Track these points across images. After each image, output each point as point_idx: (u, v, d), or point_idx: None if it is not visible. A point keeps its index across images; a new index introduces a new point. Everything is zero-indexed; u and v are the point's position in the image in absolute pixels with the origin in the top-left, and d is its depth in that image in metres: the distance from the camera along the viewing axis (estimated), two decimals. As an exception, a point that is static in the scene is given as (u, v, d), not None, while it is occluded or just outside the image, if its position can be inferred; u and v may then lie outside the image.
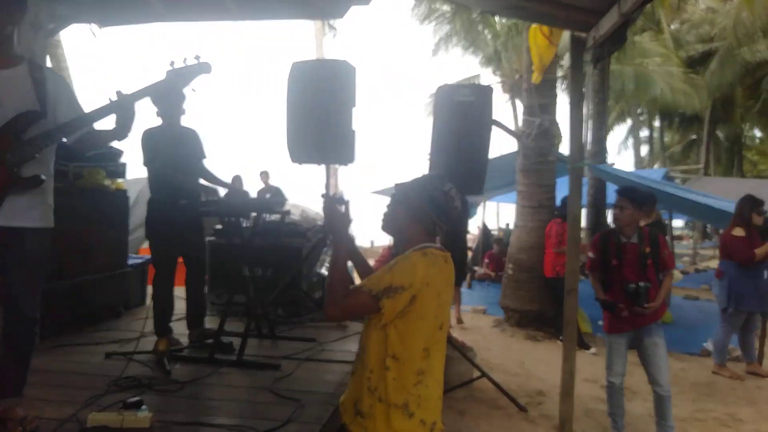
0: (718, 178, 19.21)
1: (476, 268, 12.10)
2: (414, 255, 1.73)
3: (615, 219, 3.78)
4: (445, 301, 1.83)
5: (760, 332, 5.86)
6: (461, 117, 3.79)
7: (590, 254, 3.82)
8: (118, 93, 2.23)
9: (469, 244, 17.43)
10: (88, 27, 4.77)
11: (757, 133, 29.49)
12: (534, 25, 4.49)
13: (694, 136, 28.33)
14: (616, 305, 3.65)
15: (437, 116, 3.92)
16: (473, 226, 17.54)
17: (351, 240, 1.93)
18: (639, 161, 26.45)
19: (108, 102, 2.24)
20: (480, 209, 14.43)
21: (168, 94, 3.37)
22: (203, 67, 2.33)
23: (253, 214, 3.84)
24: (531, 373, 5.47)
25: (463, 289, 10.71)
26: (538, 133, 6.86)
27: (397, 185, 1.95)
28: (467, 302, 9.06)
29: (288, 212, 3.94)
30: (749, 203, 5.35)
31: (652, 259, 3.67)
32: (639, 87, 16.76)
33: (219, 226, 4.72)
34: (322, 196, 2.26)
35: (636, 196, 3.75)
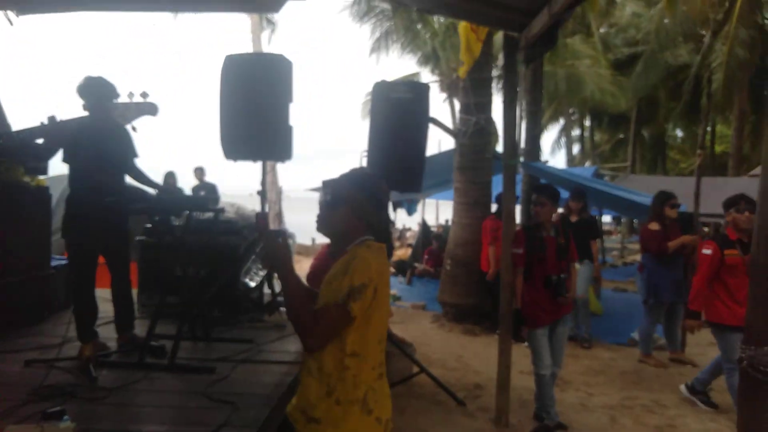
0: (644, 176, 20.30)
1: (416, 264, 12.23)
2: (360, 251, 1.73)
3: (536, 215, 3.97)
4: (388, 291, 1.85)
5: (682, 321, 6.23)
6: (398, 114, 3.81)
7: (518, 249, 3.96)
8: (50, 118, 2.11)
9: (409, 241, 17.65)
10: (3, 14, 4.45)
11: (679, 133, 31.37)
12: (464, 22, 4.56)
13: (622, 136, 29.81)
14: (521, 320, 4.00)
15: (374, 113, 3.92)
16: (413, 223, 17.75)
17: (290, 264, 1.83)
18: (571, 159, 27.55)
19: (39, 124, 2.10)
20: (420, 206, 14.61)
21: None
22: (149, 109, 2.22)
23: (185, 212, 3.70)
24: (469, 367, 5.59)
25: (403, 285, 10.83)
26: (474, 131, 7.00)
27: (325, 183, 1.89)
28: (407, 298, 9.14)
29: (222, 210, 3.82)
30: (660, 198, 5.67)
31: (564, 251, 3.93)
32: (570, 88, 17.41)
33: (149, 225, 4.53)
34: (258, 215, 2.16)
35: (553, 192, 3.96)
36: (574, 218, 6.56)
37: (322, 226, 1.87)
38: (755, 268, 1.36)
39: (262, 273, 4.55)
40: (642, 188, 9.84)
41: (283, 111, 3.73)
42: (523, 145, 10.64)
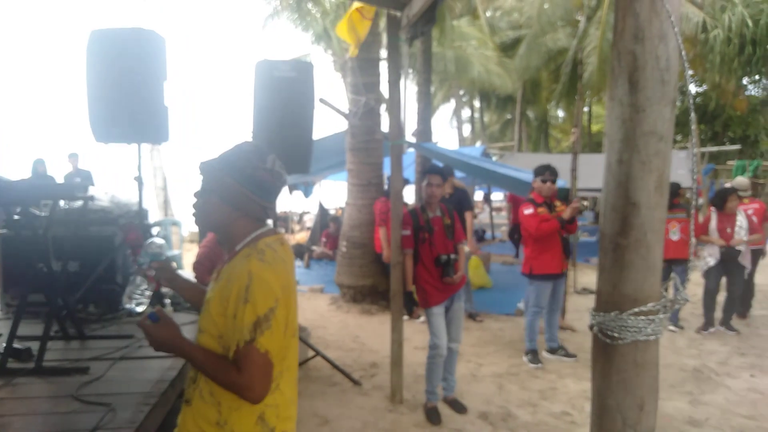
0: (528, 154, 21.55)
1: (314, 247, 12.16)
2: (254, 267, 1.46)
3: (431, 196, 4.02)
4: (294, 286, 1.66)
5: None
6: (283, 93, 3.70)
7: (405, 231, 4.02)
8: None
9: (308, 224, 17.50)
10: None
11: (560, 113, 33.64)
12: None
13: (509, 116, 31.43)
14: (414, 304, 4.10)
15: (257, 92, 3.77)
16: (311, 206, 17.58)
17: (182, 341, 1.56)
18: (462, 140, 28.56)
19: None
20: (317, 188, 14.49)
21: None
22: None
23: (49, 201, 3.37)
24: (365, 347, 5.66)
25: (302, 269, 10.75)
26: (365, 112, 7.02)
27: (202, 165, 1.57)
28: (305, 282, 9.08)
29: (92, 197, 3.52)
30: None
31: (451, 230, 4.05)
32: (459, 69, 17.99)
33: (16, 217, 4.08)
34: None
35: (445, 172, 4.07)
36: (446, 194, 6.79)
37: (197, 219, 1.61)
38: (602, 237, 1.46)
39: (149, 292, 4.26)
40: (527, 166, 10.42)
41: (156, 90, 3.50)
42: (415, 125, 10.89)
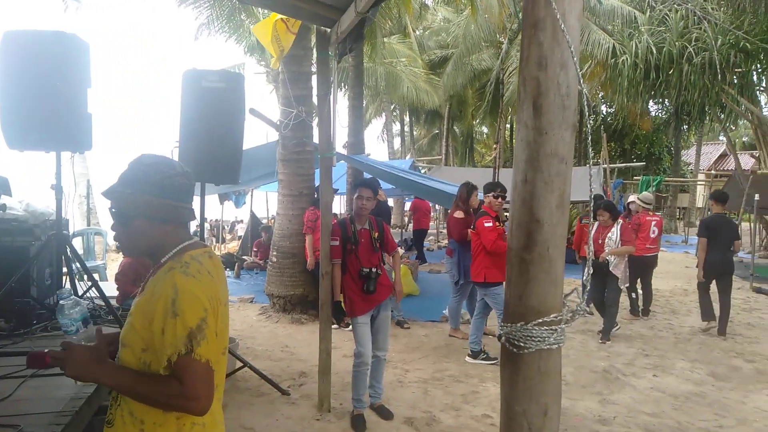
0: (455, 167, 22.22)
1: (245, 257, 11.95)
2: (178, 280, 1.44)
3: (362, 208, 4.08)
4: (225, 300, 1.63)
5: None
6: (211, 103, 3.69)
7: (334, 241, 4.08)
8: None
9: (239, 233, 17.14)
10: None
11: (485, 129, 34.92)
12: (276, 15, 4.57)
13: (437, 131, 32.29)
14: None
15: (184, 102, 3.74)
16: (243, 215, 17.24)
17: (103, 367, 1.48)
18: (393, 152, 29.01)
19: None
20: (249, 198, 14.27)
21: None
22: None
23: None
24: (294, 356, 5.66)
25: (232, 279, 10.53)
26: (296, 124, 7.04)
27: (109, 193, 1.53)
28: (235, 293, 8.92)
29: (3, 206, 3.35)
30: (466, 188, 6.31)
31: (380, 243, 4.14)
32: (390, 85, 18.37)
33: None
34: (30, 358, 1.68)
35: (375, 185, 4.19)
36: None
37: (127, 250, 1.57)
38: (509, 252, 1.59)
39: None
40: (452, 179, 10.78)
41: (79, 96, 3.38)
42: (347, 138, 11.00)
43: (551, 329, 1.50)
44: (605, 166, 13.60)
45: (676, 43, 12.96)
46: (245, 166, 4.23)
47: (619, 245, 6.32)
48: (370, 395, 4.28)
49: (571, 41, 1.39)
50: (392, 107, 27.87)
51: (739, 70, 13.02)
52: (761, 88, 14.37)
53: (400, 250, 6.27)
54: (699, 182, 24.54)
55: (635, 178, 17.82)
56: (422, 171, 15.87)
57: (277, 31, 4.44)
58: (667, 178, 21.02)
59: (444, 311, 7.33)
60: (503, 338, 1.57)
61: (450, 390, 4.81)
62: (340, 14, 3.53)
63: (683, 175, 27.27)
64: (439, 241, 18.35)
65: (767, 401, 4.70)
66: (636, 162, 19.90)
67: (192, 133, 3.73)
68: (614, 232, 6.39)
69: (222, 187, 9.75)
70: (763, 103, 14.76)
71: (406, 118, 31.81)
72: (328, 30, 3.84)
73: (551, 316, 1.51)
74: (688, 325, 7.34)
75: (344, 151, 10.22)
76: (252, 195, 14.32)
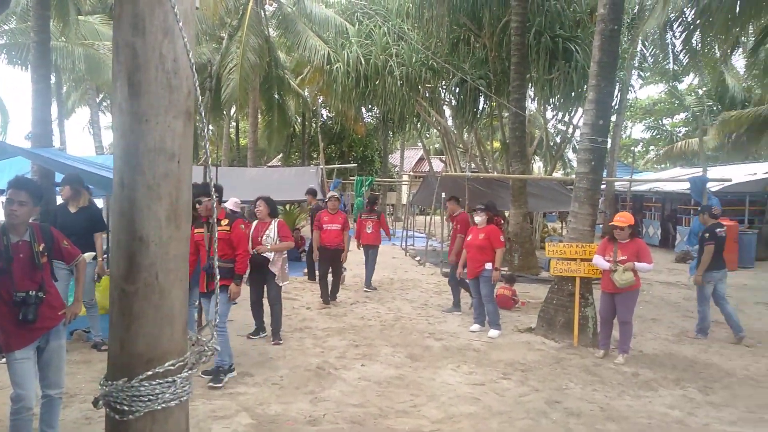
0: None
1: None
2: None
3: (12, 215, 3.17)
4: None
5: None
6: None
7: None
8: None
9: None
10: None
11: (211, 126, 33.44)
12: None
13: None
14: None
15: None
16: None
17: None
18: (101, 147, 25.62)
19: None
20: None
21: None
22: None
23: None
24: None
25: None
26: None
27: None
28: None
29: None
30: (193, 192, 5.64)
31: (47, 255, 3.31)
32: (91, 69, 16.02)
33: None
34: None
35: (32, 186, 3.31)
36: (73, 209, 5.81)
37: None
38: (111, 283, 1.17)
39: None
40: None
41: None
42: (30, 128, 9.01)
43: (167, 382, 1.12)
44: (323, 166, 14.17)
45: (381, 57, 14.19)
46: None
47: (278, 242, 6.20)
48: None
49: (175, 2, 1.05)
50: (101, 96, 24.53)
51: (429, 85, 14.95)
52: (445, 102, 16.78)
53: (88, 256, 5.12)
54: (404, 182, 27.75)
55: (351, 177, 19.11)
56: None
57: None
58: (378, 179, 23.19)
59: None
60: (101, 402, 1.14)
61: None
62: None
63: (391, 175, 30.54)
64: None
65: (452, 375, 5.25)
66: (352, 163, 21.39)
67: None
68: (272, 229, 6.22)
69: None
70: (447, 115, 17.30)
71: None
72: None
73: (167, 364, 1.13)
74: (393, 311, 7.96)
75: (29, 144, 8.38)
76: None
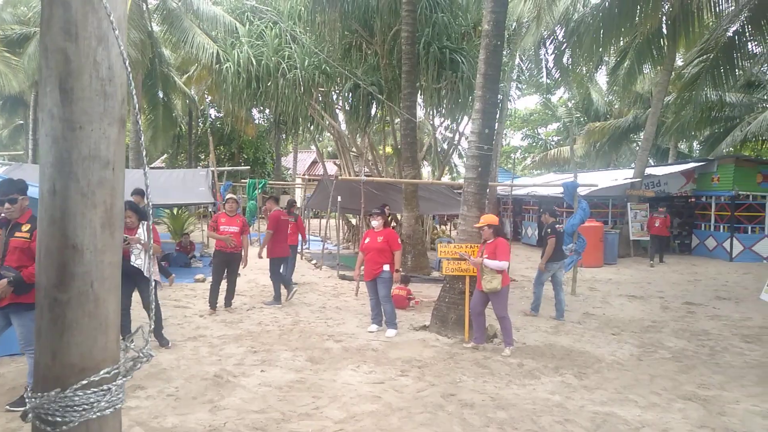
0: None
1: None
2: None
3: None
4: None
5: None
6: None
7: None
8: None
9: None
10: None
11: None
12: None
13: (21, 121, 27.17)
14: None
15: None
16: None
17: None
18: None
19: None
20: None
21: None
22: None
23: None
24: None
25: None
26: None
27: None
28: None
29: None
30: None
31: None
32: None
33: None
34: None
35: None
36: None
37: None
38: (38, 292, 1.13)
39: None
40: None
41: None
42: None
43: (102, 390, 1.11)
44: (213, 168, 13.69)
45: (273, 58, 13.97)
46: None
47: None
48: None
49: (110, 8, 1.04)
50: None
51: (323, 89, 15.00)
52: (339, 106, 16.93)
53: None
54: (297, 185, 27.54)
55: (243, 180, 18.61)
56: (-4, 170, 12.78)
57: None
58: (271, 181, 22.79)
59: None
60: (30, 415, 1.11)
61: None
62: None
63: (284, 178, 30.16)
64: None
65: (352, 375, 5.37)
66: (244, 165, 20.86)
67: None
68: (140, 233, 5.97)
69: None
70: (341, 119, 17.44)
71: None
72: None
73: (102, 372, 1.13)
74: (291, 315, 7.92)
75: None
76: None
